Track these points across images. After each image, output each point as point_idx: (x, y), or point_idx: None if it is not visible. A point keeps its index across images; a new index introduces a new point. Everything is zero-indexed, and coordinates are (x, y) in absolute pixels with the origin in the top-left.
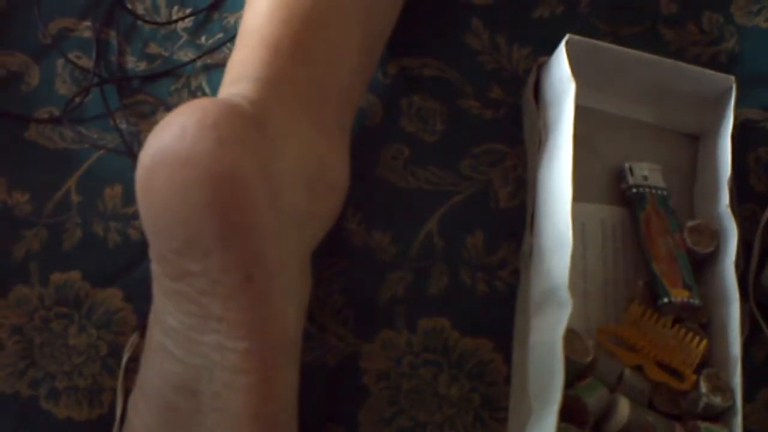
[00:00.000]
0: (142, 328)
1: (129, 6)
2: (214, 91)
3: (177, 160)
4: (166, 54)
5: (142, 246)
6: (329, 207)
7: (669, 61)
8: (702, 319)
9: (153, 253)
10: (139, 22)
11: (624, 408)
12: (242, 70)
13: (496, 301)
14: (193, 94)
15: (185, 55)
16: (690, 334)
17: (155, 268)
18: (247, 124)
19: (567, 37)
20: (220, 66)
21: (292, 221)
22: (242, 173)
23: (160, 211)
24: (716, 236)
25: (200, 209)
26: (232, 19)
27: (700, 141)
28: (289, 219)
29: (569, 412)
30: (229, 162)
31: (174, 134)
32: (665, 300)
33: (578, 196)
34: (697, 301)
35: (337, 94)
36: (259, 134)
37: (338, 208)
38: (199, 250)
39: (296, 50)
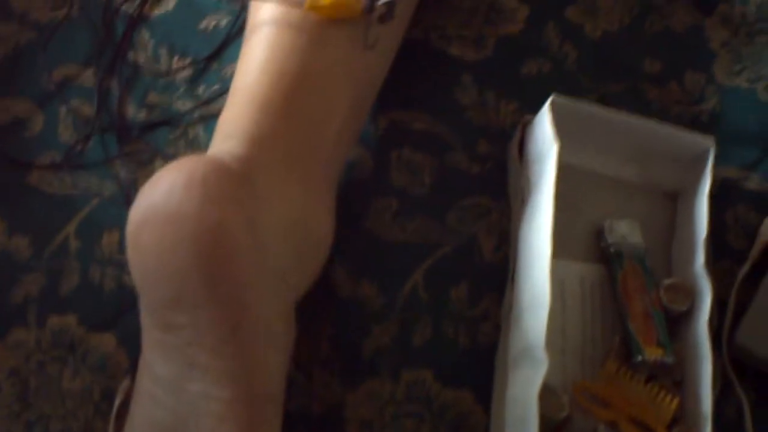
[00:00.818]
0: (133, 373)
1: (131, 55)
2: (211, 141)
3: (165, 218)
4: (165, 103)
5: (136, 293)
6: (314, 261)
7: (650, 123)
8: (676, 376)
9: (142, 304)
10: (140, 71)
11: None
12: (232, 128)
13: (477, 354)
14: (191, 144)
15: (183, 105)
16: (663, 392)
17: (144, 318)
18: (233, 182)
19: (551, 98)
20: (217, 116)
21: (277, 275)
22: (228, 230)
23: (149, 267)
24: (691, 295)
25: (188, 265)
26: (229, 71)
27: (678, 200)
28: (274, 273)
29: None
30: (215, 219)
31: (163, 192)
32: (639, 358)
33: (559, 253)
34: (670, 360)
35: (324, 150)
36: (245, 192)
37: (322, 262)
38: (187, 304)
39: (285, 108)
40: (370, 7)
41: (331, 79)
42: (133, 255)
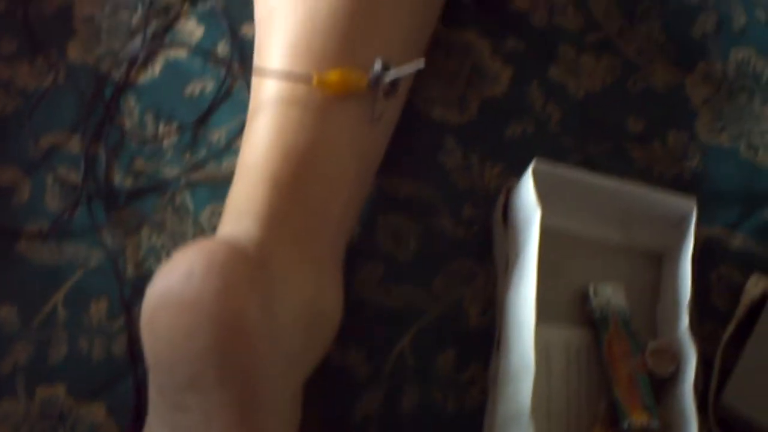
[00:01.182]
0: None
1: (117, 122)
2: (198, 208)
3: (183, 303)
4: (152, 170)
5: (125, 361)
6: (324, 340)
7: (632, 186)
8: None
9: (152, 383)
10: (127, 137)
11: None
12: (244, 207)
13: (465, 420)
14: (178, 210)
15: (170, 171)
16: None
17: (153, 396)
18: (251, 268)
19: (533, 163)
20: (204, 183)
21: (289, 358)
22: (246, 318)
23: (163, 349)
24: (676, 358)
25: (204, 351)
26: (215, 137)
27: (662, 261)
28: (287, 357)
29: None
30: (234, 307)
31: (181, 277)
32: (626, 424)
33: (544, 317)
34: (655, 425)
35: (333, 225)
36: (262, 276)
37: (332, 339)
38: (199, 387)
39: (295, 187)
40: (377, 83)
41: (339, 154)
42: (147, 336)
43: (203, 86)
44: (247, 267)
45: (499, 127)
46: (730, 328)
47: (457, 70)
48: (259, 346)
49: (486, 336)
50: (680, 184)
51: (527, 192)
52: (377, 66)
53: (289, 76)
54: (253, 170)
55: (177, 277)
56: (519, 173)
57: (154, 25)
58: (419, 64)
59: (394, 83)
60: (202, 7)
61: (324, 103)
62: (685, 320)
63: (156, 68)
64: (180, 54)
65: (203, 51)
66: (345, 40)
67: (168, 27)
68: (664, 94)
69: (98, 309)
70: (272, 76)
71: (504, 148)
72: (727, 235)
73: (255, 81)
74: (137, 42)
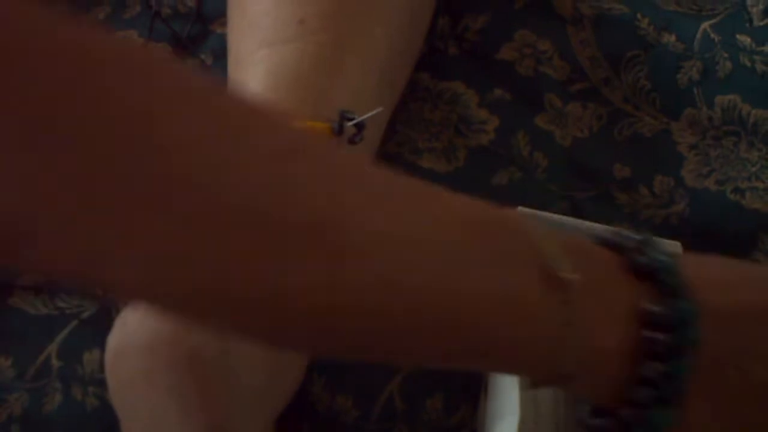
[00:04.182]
0: None
1: None
2: None
3: (140, 349)
4: None
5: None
6: (289, 381)
7: (616, 230)
8: None
9: (122, 426)
10: None
11: None
12: None
13: None
14: None
15: None
16: None
17: None
18: None
19: (518, 210)
20: None
21: (253, 397)
22: (200, 358)
23: (126, 393)
24: None
25: (162, 392)
26: None
27: None
28: (249, 395)
29: None
30: (188, 346)
31: (136, 324)
32: None
33: None
34: None
35: None
36: None
37: (298, 381)
38: (163, 427)
39: None
40: (340, 130)
41: None
42: (111, 383)
43: None
44: None
45: (486, 176)
46: None
47: (445, 120)
48: (216, 385)
49: (475, 379)
50: (667, 228)
51: None
52: (339, 114)
53: None
54: None
55: (133, 325)
56: None
57: None
58: (378, 110)
59: (360, 129)
60: None
61: None
62: None
63: None
64: None
65: None
66: (313, 90)
67: None
68: (651, 140)
69: (91, 359)
70: None
71: (491, 196)
72: None
73: None
74: None
